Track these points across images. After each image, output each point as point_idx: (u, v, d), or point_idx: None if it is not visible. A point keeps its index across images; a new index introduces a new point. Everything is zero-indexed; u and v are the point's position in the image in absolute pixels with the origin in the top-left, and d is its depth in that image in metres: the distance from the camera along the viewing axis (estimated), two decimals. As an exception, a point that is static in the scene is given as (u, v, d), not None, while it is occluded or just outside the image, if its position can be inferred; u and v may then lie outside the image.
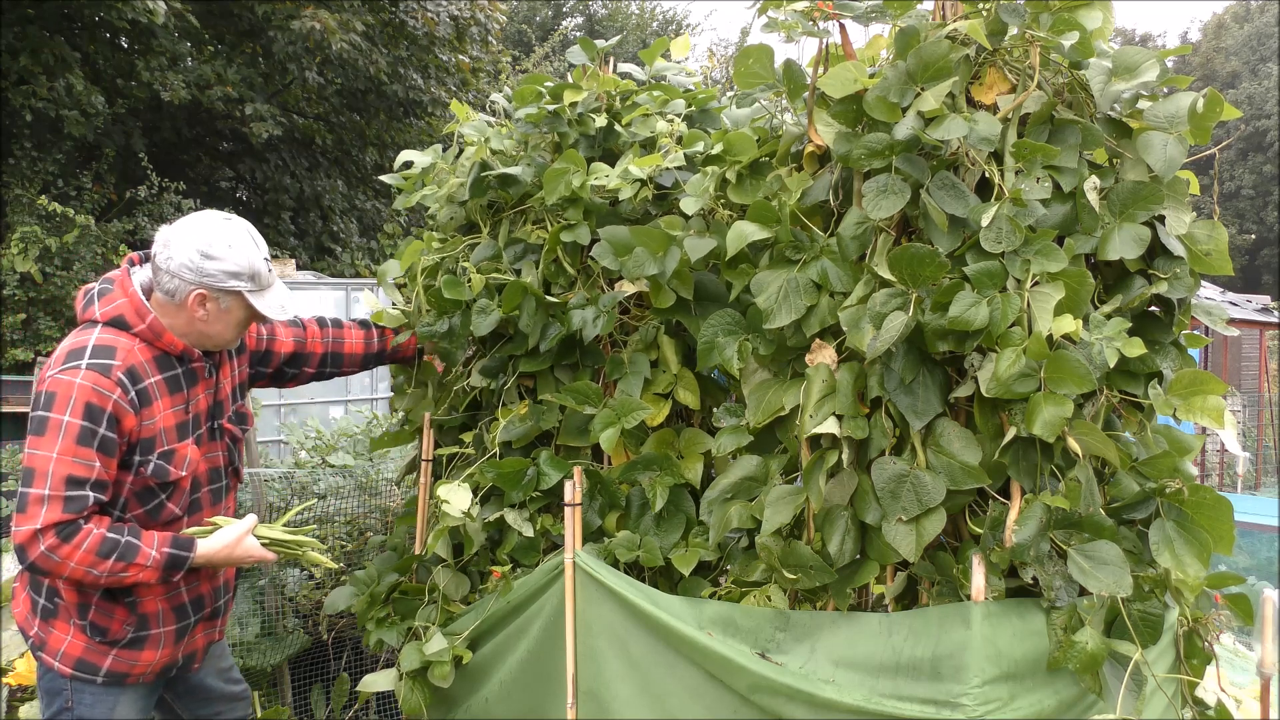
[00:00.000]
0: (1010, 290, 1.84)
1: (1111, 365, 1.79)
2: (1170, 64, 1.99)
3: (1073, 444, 1.83)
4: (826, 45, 2.10)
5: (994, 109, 1.95)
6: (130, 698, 2.28)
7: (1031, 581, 1.82)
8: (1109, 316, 1.87)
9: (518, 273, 2.59)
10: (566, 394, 2.42)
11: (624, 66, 2.83)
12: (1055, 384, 1.77)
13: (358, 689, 2.65)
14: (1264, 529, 5.36)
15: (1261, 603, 1.98)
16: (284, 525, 2.41)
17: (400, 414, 2.89)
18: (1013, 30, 1.93)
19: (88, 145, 9.75)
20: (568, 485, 2.32)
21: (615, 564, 2.26)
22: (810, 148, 2.16)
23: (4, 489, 5.26)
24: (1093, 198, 1.92)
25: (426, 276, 2.68)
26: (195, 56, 10.63)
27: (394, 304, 2.78)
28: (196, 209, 2.76)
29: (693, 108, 2.69)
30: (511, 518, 2.42)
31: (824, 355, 2.02)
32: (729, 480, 2.16)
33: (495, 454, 2.51)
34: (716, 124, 2.67)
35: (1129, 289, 1.98)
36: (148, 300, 2.20)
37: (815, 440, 2.01)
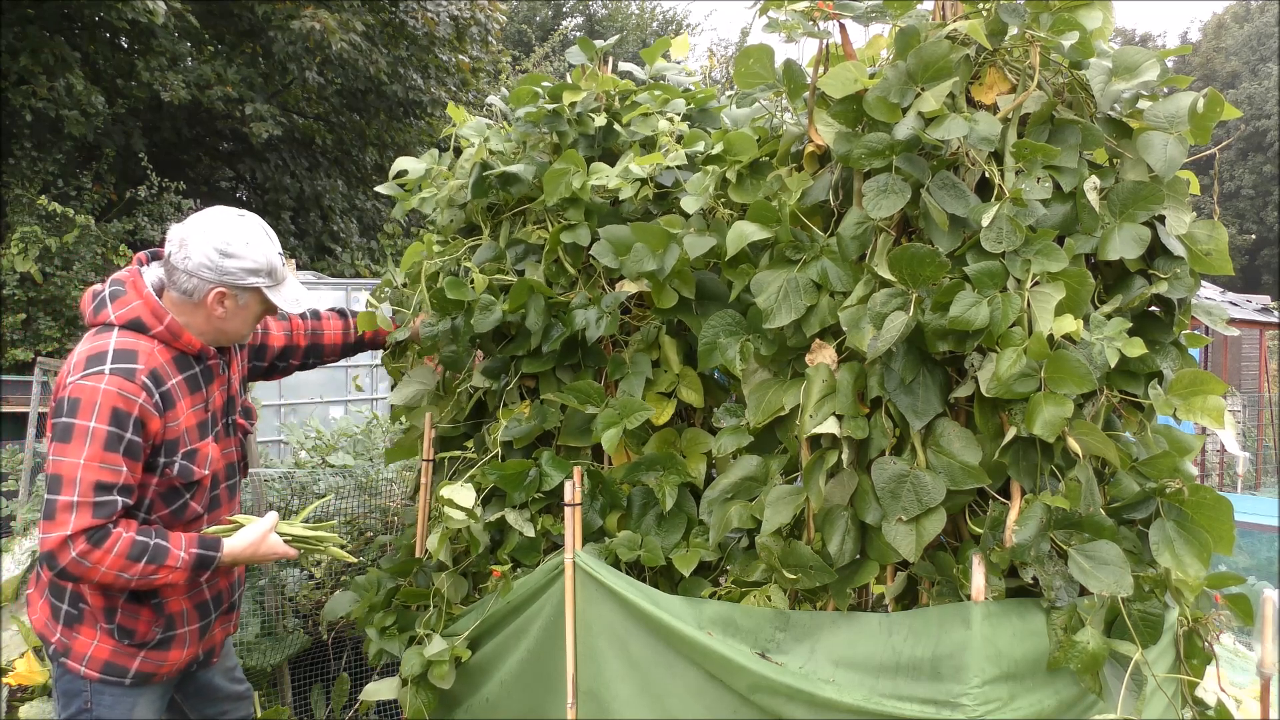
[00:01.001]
0: (1010, 290, 1.84)
1: (1112, 365, 1.79)
2: (1170, 64, 1.99)
3: (1073, 444, 1.83)
4: (827, 45, 2.10)
5: (994, 109, 1.95)
6: (149, 698, 2.29)
7: (1031, 581, 1.82)
8: (1109, 316, 1.87)
9: (520, 273, 2.59)
10: (569, 394, 2.42)
11: (624, 66, 2.83)
12: (1055, 384, 1.77)
13: (360, 698, 2.65)
14: (1264, 529, 5.36)
15: (1261, 603, 1.98)
16: (302, 521, 2.43)
17: (404, 422, 2.89)
18: (1013, 30, 1.93)
19: (88, 145, 9.75)
20: (567, 485, 2.32)
21: (616, 564, 2.26)
22: (810, 147, 2.16)
23: (4, 489, 5.27)
24: (1093, 198, 1.92)
25: (429, 280, 2.68)
26: (195, 56, 10.63)
27: (393, 310, 2.77)
28: (196, 209, 2.75)
29: (693, 107, 2.69)
30: (513, 518, 2.43)
31: (824, 355, 2.02)
32: (729, 480, 2.16)
33: (497, 455, 2.52)
34: (716, 124, 2.67)
35: (1129, 289, 1.98)
36: (160, 300, 2.20)
37: (815, 440, 2.01)
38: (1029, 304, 1.82)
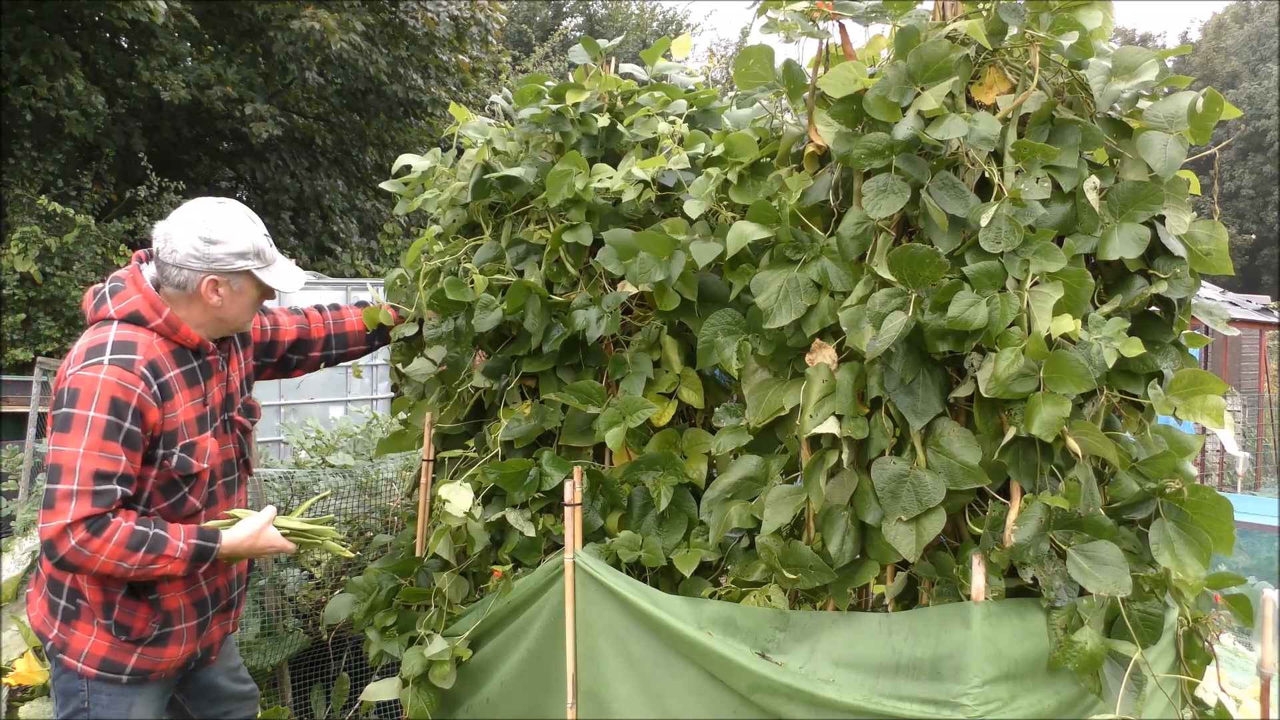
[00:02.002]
0: (1010, 290, 1.84)
1: (1111, 365, 1.79)
2: (1170, 64, 1.99)
3: (1072, 444, 1.83)
4: (826, 45, 2.10)
5: (994, 109, 1.95)
6: (146, 698, 2.29)
7: (1031, 581, 1.82)
8: (1109, 316, 1.86)
9: (521, 274, 2.59)
10: (570, 393, 2.42)
11: (625, 67, 2.83)
12: (1054, 384, 1.77)
13: (361, 698, 2.65)
14: (1264, 529, 5.35)
15: (1261, 603, 1.98)
16: (300, 516, 2.43)
17: (405, 416, 2.89)
18: (1013, 30, 1.93)
19: (88, 145, 9.74)
20: (567, 485, 2.32)
21: (617, 564, 2.26)
22: (810, 148, 2.16)
23: (4, 489, 5.26)
24: (1093, 198, 1.92)
25: (429, 279, 2.68)
26: (195, 56, 10.62)
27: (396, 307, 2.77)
28: (196, 209, 2.74)
29: (694, 108, 2.69)
30: (513, 518, 2.43)
31: (824, 355, 2.02)
32: (729, 480, 2.16)
33: (497, 454, 2.52)
34: (718, 124, 2.67)
35: (1129, 289, 1.98)
36: (159, 294, 2.22)
37: (815, 440, 2.01)
38: (1028, 304, 1.82)
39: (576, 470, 2.34)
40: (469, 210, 2.76)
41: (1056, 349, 1.80)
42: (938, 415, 1.89)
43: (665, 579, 2.33)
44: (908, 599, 1.99)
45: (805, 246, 2.05)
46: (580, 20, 22.42)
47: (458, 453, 2.68)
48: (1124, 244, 1.91)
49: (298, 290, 2.35)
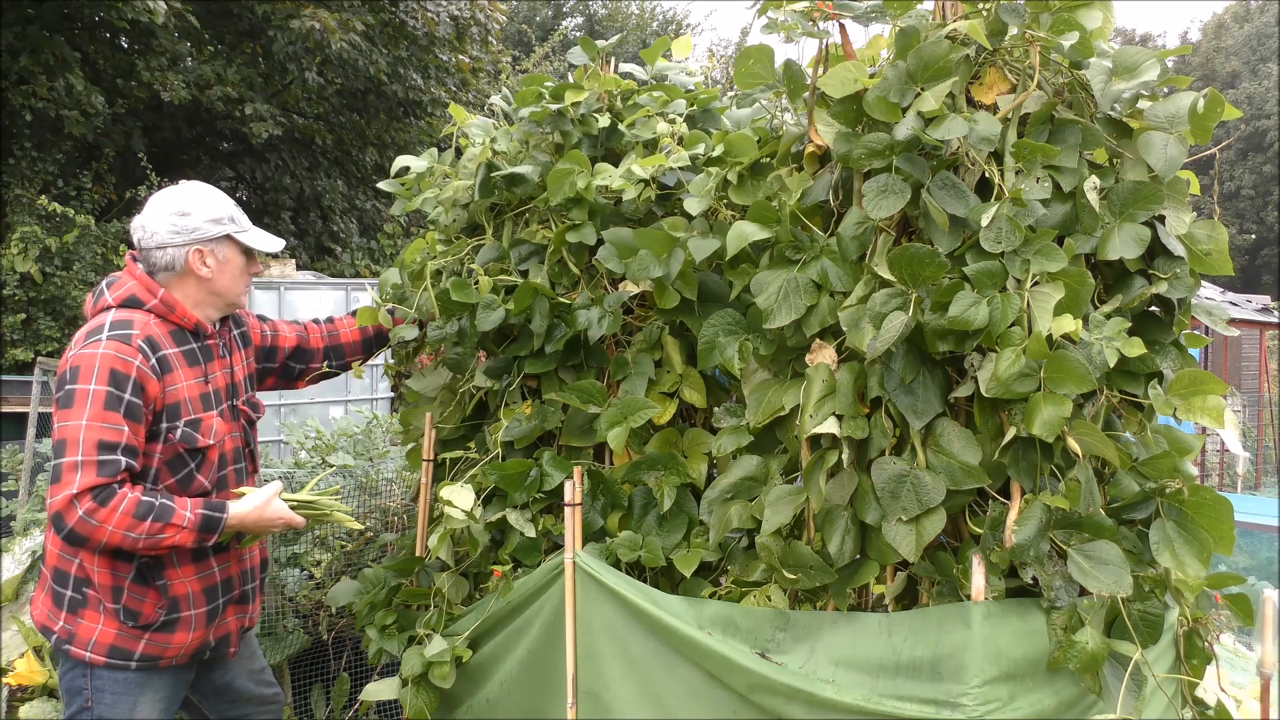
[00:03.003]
0: (1010, 290, 1.84)
1: (1111, 365, 1.79)
2: (1170, 64, 1.99)
3: (1073, 444, 1.83)
4: (826, 45, 2.10)
5: (994, 109, 1.95)
6: (152, 697, 2.29)
7: (1031, 581, 1.82)
8: (1109, 316, 1.86)
9: (524, 273, 2.59)
10: (571, 393, 2.43)
11: (625, 66, 2.83)
12: (1055, 384, 1.77)
13: (360, 698, 2.65)
14: (1264, 529, 5.35)
15: (1261, 603, 1.98)
16: (309, 491, 2.47)
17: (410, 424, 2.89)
18: (1013, 30, 1.93)
19: (88, 145, 9.75)
20: (567, 485, 2.32)
21: (617, 564, 2.26)
22: (810, 148, 2.16)
23: (4, 489, 5.26)
24: (1093, 198, 1.92)
25: (432, 280, 2.68)
26: (195, 56, 10.63)
27: (393, 309, 2.77)
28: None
29: (694, 108, 2.69)
30: (514, 518, 2.43)
31: (824, 355, 2.02)
32: (729, 480, 2.16)
33: (498, 455, 2.51)
34: (718, 124, 2.67)
35: (1129, 289, 1.98)
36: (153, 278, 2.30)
37: (815, 440, 2.01)
38: (1028, 304, 1.82)
39: (577, 470, 2.34)
40: (470, 210, 2.76)
41: (1057, 349, 1.80)
42: (938, 415, 1.89)
43: (665, 579, 2.33)
44: (908, 599, 1.99)
45: (805, 246, 2.05)
46: (580, 20, 22.43)
47: (459, 454, 2.68)
48: (1124, 244, 1.91)
49: (278, 250, 2.43)
